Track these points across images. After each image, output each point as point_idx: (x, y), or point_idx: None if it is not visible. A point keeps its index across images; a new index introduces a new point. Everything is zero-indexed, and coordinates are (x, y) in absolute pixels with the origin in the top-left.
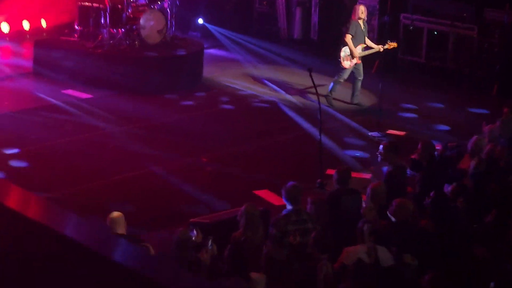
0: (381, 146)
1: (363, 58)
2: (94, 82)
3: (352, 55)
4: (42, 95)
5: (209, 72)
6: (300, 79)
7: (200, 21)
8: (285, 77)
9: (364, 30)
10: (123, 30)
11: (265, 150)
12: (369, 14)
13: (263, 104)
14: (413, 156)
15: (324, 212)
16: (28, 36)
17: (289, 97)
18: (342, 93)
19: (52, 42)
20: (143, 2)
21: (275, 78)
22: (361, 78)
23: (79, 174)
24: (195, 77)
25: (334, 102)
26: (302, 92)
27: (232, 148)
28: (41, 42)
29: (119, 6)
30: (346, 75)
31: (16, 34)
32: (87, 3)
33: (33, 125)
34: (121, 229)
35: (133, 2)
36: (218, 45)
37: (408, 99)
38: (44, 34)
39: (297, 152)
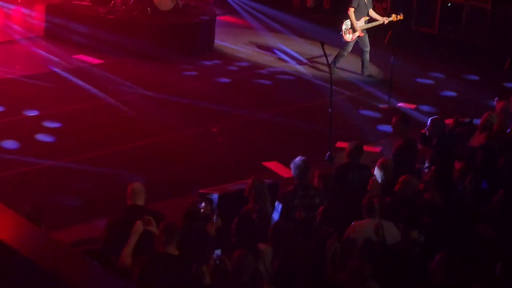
0: (393, 119)
1: (373, 29)
2: (105, 48)
3: (353, 29)
4: (53, 59)
5: (221, 39)
6: (312, 49)
7: None
8: (297, 47)
9: (368, 2)
10: None
11: (275, 121)
12: None
13: (274, 74)
14: (423, 131)
15: (332, 186)
16: None
17: (300, 67)
18: (354, 64)
19: (64, 6)
20: None
21: (287, 48)
22: (367, 49)
23: (89, 141)
24: (207, 45)
25: (343, 73)
26: (313, 63)
27: (242, 118)
28: (53, 6)
29: None
30: (349, 48)
31: None
32: None
33: (44, 90)
34: (141, 200)
35: None
36: (231, 11)
37: (420, 71)
38: None
39: (307, 123)
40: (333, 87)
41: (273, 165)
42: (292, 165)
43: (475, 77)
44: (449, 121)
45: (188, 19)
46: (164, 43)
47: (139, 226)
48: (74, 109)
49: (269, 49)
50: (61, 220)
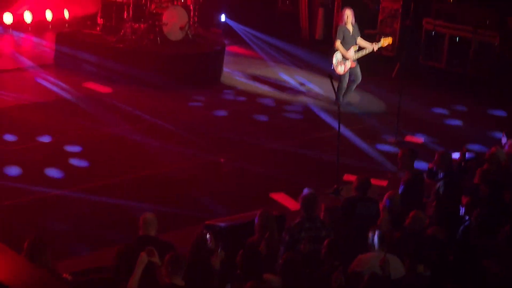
0: (400, 152)
1: (381, 63)
2: (114, 76)
3: (344, 60)
4: (62, 87)
5: (229, 69)
6: (320, 81)
7: (223, 18)
8: (305, 78)
9: (353, 32)
10: (145, 25)
11: (283, 152)
12: (392, 17)
13: (281, 105)
14: (430, 166)
15: (338, 219)
16: (50, 26)
17: (307, 99)
18: (360, 97)
19: (74, 35)
20: None
21: (295, 79)
22: (358, 81)
23: (96, 170)
24: (215, 75)
25: (350, 106)
26: (320, 95)
27: (250, 149)
28: (63, 34)
29: (143, 1)
30: (346, 79)
31: (39, 24)
32: None
33: (52, 117)
34: (153, 231)
35: None
36: (240, 42)
37: (427, 104)
38: (67, 25)
39: (315, 155)
40: (341, 120)
41: (280, 197)
42: (300, 198)
43: (482, 110)
44: (456, 154)
45: (197, 49)
46: (173, 73)
47: (143, 257)
48: (81, 137)
49: (277, 80)
50: (67, 249)
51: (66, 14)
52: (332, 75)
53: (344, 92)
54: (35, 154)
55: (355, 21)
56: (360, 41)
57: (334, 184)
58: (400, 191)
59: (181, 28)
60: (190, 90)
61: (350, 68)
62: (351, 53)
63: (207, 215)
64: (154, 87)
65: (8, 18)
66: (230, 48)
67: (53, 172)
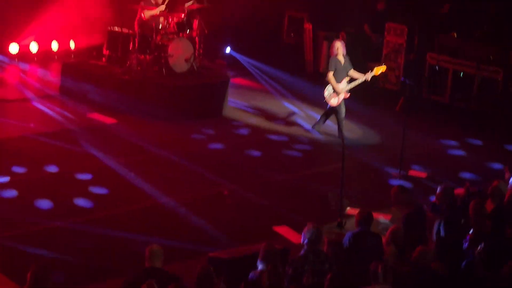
0: (391, 191)
1: (385, 97)
2: (119, 107)
3: (336, 92)
4: (67, 118)
5: (234, 101)
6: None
7: (228, 50)
8: (309, 111)
9: (345, 64)
10: (151, 57)
11: (287, 185)
12: (396, 51)
13: (285, 138)
14: (434, 200)
15: (341, 253)
16: (56, 57)
17: (312, 131)
18: (365, 131)
19: (79, 65)
20: (172, 30)
21: (299, 111)
22: (341, 114)
23: (99, 201)
24: (220, 106)
25: (353, 139)
26: (325, 128)
27: (254, 181)
28: (69, 64)
29: (148, 33)
30: (342, 111)
31: (44, 54)
32: (116, 28)
33: (57, 148)
34: (159, 263)
35: (162, 29)
36: (245, 74)
37: (431, 138)
38: (72, 55)
39: (319, 188)
40: (345, 153)
41: (284, 230)
42: (303, 231)
43: (486, 144)
44: (460, 190)
45: (202, 81)
46: (178, 104)
47: None
48: (85, 168)
49: (281, 113)
50: (70, 281)
51: (72, 44)
52: (336, 109)
53: (321, 121)
54: (40, 185)
55: (347, 53)
56: (353, 73)
57: (338, 218)
58: (402, 225)
59: (186, 60)
60: (194, 121)
61: (344, 99)
62: (343, 85)
63: (211, 248)
64: (159, 118)
65: (14, 48)
66: (235, 80)
67: (57, 203)
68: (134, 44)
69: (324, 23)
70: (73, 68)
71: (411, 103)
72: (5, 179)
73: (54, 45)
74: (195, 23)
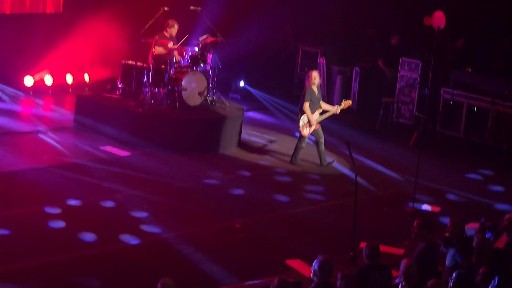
0: (415, 223)
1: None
2: (133, 140)
3: (309, 123)
4: (81, 150)
5: (247, 135)
6: (336, 148)
7: (242, 83)
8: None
9: (318, 95)
10: (164, 90)
11: (300, 218)
12: (410, 86)
13: (299, 171)
14: (446, 234)
15: (353, 287)
16: (70, 90)
17: (326, 165)
18: (369, 164)
19: (93, 98)
20: (186, 63)
21: (313, 145)
22: (322, 140)
23: (111, 233)
24: (233, 140)
25: (366, 170)
26: (338, 162)
27: (267, 215)
28: (83, 97)
29: (162, 66)
30: (304, 141)
31: (59, 87)
32: (131, 62)
33: (70, 180)
34: None
35: (176, 63)
36: (258, 108)
37: (445, 172)
38: (87, 88)
39: (331, 221)
40: (358, 186)
41: (297, 264)
42: (314, 264)
43: (500, 180)
44: (473, 225)
45: (215, 114)
46: (191, 137)
47: None
48: (96, 202)
49: (293, 146)
50: None
51: (87, 78)
52: (349, 142)
53: (319, 157)
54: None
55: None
56: (323, 105)
57: (350, 252)
58: (415, 260)
59: (200, 93)
60: (207, 154)
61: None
62: (316, 116)
63: (223, 281)
64: (172, 151)
65: (29, 81)
66: (249, 113)
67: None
68: (148, 77)
69: (338, 58)
70: (87, 101)
71: (425, 138)
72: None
73: (69, 78)
74: (209, 56)
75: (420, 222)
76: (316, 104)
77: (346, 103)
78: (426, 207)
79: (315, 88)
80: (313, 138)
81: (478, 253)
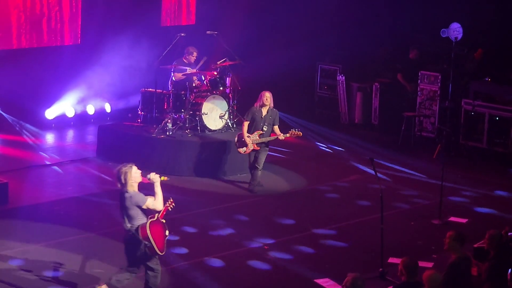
0: (447, 234)
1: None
2: (157, 167)
3: (244, 142)
4: (105, 180)
5: (269, 156)
6: (360, 165)
7: None
8: (346, 162)
9: (265, 116)
10: (185, 115)
11: (327, 236)
12: (430, 99)
13: (324, 188)
14: (475, 245)
15: None
16: (92, 120)
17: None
18: (394, 178)
19: (115, 127)
20: (205, 88)
21: (335, 163)
22: (259, 167)
23: None
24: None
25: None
26: (363, 179)
27: (291, 236)
28: (105, 127)
29: (182, 91)
30: (249, 160)
31: (81, 118)
32: (150, 89)
33: (96, 210)
34: None
35: (195, 87)
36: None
37: (470, 184)
38: (108, 118)
39: (360, 238)
40: (383, 201)
41: (326, 283)
42: (345, 282)
43: None
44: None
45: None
46: (215, 160)
47: None
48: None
49: (318, 165)
50: None
51: (108, 107)
52: (373, 159)
53: (250, 180)
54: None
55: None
56: (275, 129)
57: (380, 268)
58: (445, 274)
59: (221, 117)
60: (231, 175)
61: (253, 150)
62: (255, 137)
63: None
64: (197, 175)
65: (50, 114)
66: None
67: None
68: (168, 103)
69: (357, 74)
70: (109, 130)
71: (448, 150)
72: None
73: (90, 109)
74: (228, 80)
75: (452, 234)
76: (258, 125)
77: (295, 133)
78: (452, 219)
79: (264, 110)
80: None
81: None
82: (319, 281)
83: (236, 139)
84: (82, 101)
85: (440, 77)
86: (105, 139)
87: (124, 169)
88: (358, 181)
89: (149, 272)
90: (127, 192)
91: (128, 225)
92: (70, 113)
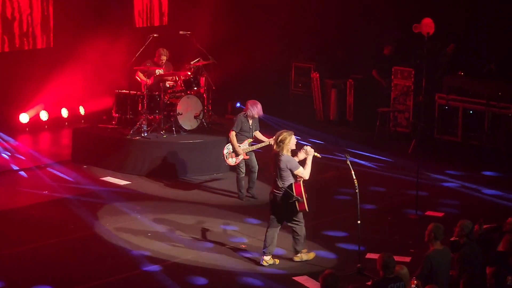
0: (429, 227)
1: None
2: (132, 169)
3: (236, 152)
4: (81, 183)
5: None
6: (336, 161)
7: (238, 104)
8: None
9: (253, 125)
10: (160, 116)
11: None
12: (404, 94)
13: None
14: (452, 239)
15: None
16: (66, 123)
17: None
18: (369, 174)
19: (90, 130)
20: (180, 88)
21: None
22: (255, 170)
23: (124, 262)
24: None
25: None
26: (338, 175)
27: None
28: (79, 130)
29: (156, 93)
30: (243, 169)
31: (55, 122)
32: (124, 91)
33: (72, 214)
34: None
35: (169, 88)
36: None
37: (446, 177)
38: (82, 121)
39: (336, 235)
40: (360, 198)
41: (303, 280)
42: (320, 278)
43: (502, 181)
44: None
45: (213, 137)
46: (191, 161)
47: None
48: (106, 232)
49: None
50: None
51: (82, 110)
52: (348, 155)
53: (249, 186)
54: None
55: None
56: (258, 135)
57: (358, 264)
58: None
59: (196, 117)
60: (208, 176)
61: (244, 160)
62: (245, 146)
63: None
64: (172, 176)
65: (24, 118)
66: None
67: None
68: (142, 104)
69: (331, 71)
70: (83, 133)
71: (423, 145)
72: None
73: (64, 112)
74: (202, 79)
75: (433, 226)
76: (247, 134)
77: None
78: (429, 212)
79: (250, 119)
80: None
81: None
82: (298, 278)
83: (225, 150)
84: (56, 104)
85: (413, 72)
86: (79, 142)
87: (285, 134)
88: (334, 177)
89: (297, 224)
90: (282, 155)
91: (280, 184)
92: (44, 117)
